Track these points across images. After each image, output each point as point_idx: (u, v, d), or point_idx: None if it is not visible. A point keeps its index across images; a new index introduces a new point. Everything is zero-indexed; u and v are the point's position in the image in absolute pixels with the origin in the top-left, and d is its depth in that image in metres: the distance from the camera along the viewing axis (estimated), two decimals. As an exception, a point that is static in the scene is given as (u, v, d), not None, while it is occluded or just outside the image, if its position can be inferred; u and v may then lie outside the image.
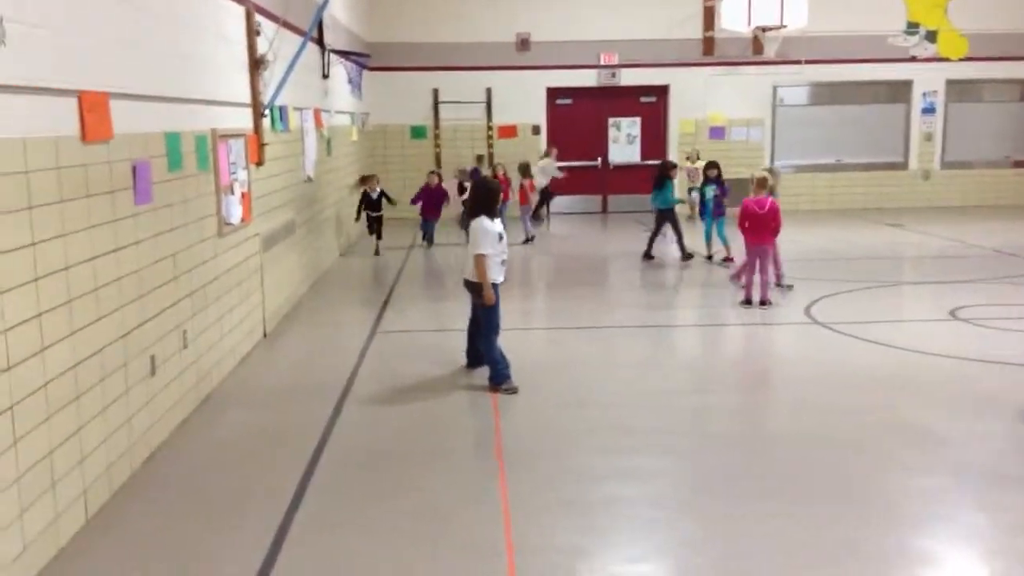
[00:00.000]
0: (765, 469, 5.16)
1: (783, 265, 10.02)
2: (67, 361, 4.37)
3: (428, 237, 14.09)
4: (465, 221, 10.82)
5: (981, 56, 17.19)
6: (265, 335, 8.28)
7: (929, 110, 18.18)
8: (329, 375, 7.12)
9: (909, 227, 15.44)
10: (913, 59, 17.63)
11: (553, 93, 17.86)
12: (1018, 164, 18.34)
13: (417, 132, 17.65)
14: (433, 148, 17.60)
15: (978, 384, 6.66)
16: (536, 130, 17.86)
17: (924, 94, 18.10)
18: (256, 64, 8.28)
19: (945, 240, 13.99)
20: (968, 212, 17.18)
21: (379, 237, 13.30)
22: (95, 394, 4.67)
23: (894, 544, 4.26)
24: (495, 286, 6.60)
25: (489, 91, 17.52)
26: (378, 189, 13.45)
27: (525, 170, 14.85)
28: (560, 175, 15.95)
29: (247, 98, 8.09)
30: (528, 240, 14.14)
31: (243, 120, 7.92)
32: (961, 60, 17.44)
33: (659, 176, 12.15)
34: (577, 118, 18.03)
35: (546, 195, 16.12)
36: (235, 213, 7.31)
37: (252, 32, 8.22)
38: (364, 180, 13.77)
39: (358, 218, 13.51)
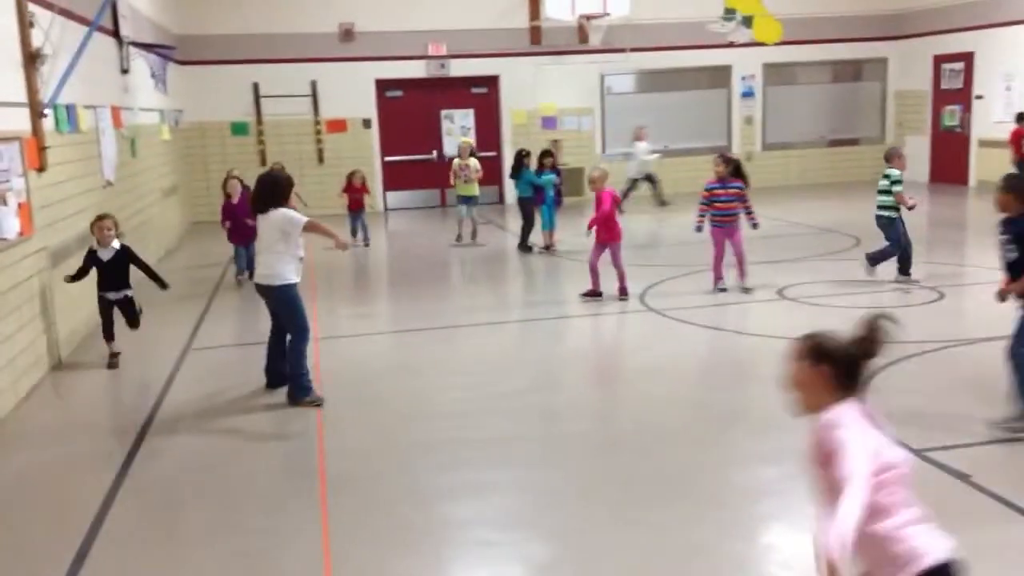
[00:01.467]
0: (614, 473, 4.90)
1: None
2: None
3: (245, 268, 10.42)
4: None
5: (795, 40, 17.88)
6: (58, 363, 7.37)
7: (748, 94, 18.78)
8: (132, 403, 6.41)
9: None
10: (731, 45, 18.14)
11: (382, 85, 17.28)
12: (833, 143, 19.24)
13: (238, 128, 16.65)
14: (257, 145, 16.66)
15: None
16: (367, 123, 17.24)
17: (743, 78, 18.68)
18: (32, 58, 7.36)
19: (769, 220, 14.40)
20: (790, 191, 17.86)
21: (132, 325, 7.59)
22: None
23: (748, 543, 4.08)
24: (293, 285, 6.07)
25: (314, 84, 16.75)
26: (114, 244, 7.24)
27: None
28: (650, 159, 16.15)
29: (22, 97, 7.17)
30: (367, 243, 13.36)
31: (17, 121, 7.00)
32: (776, 44, 18.08)
33: (515, 165, 12.21)
34: (409, 111, 17.52)
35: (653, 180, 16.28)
36: (10, 226, 6.42)
37: (25, 23, 7.30)
38: (93, 225, 7.35)
39: (74, 278, 7.29)
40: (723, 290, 8.97)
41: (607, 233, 8.78)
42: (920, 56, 18.30)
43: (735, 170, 8.96)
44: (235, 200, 10.46)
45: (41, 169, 7.32)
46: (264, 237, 6.12)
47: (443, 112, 17.76)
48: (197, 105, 16.18)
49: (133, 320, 7.64)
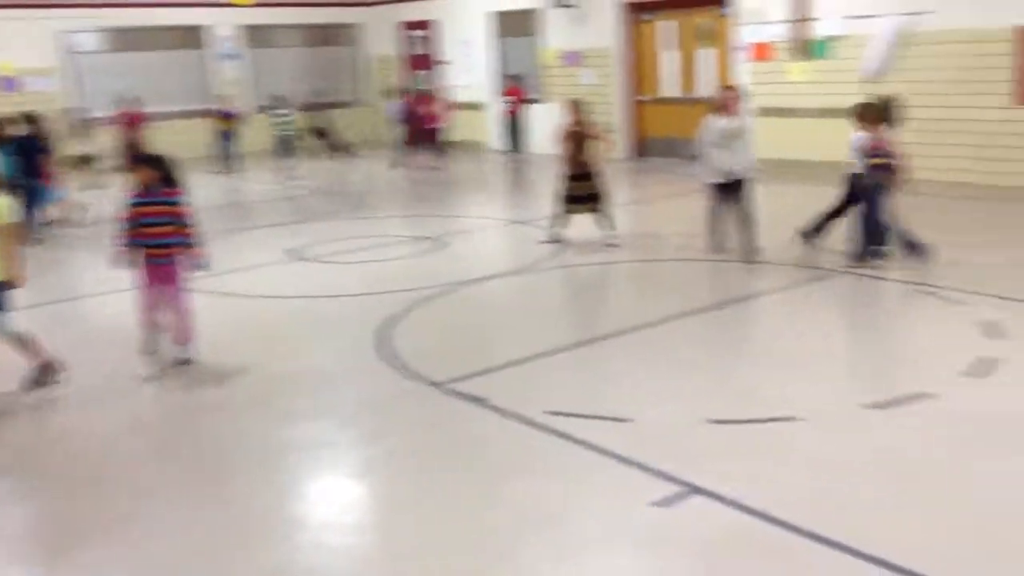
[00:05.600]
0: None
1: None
2: None
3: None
4: None
5: (273, 2, 17.84)
6: None
7: (233, 56, 18.20)
8: None
9: (233, 173, 15.41)
10: (207, 5, 17.51)
11: None
12: (315, 107, 19.20)
13: None
14: None
15: (333, 318, 6.87)
16: None
17: (223, 39, 18.11)
18: None
19: (267, 185, 14.30)
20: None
21: None
22: None
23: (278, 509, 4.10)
24: None
25: None
26: None
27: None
28: None
29: None
30: None
31: None
32: (251, 6, 17.70)
33: None
34: None
35: None
36: None
37: None
38: None
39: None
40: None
41: None
42: (388, 22, 19.33)
43: (168, 175, 5.65)
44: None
45: None
46: None
47: None
48: None
49: None
